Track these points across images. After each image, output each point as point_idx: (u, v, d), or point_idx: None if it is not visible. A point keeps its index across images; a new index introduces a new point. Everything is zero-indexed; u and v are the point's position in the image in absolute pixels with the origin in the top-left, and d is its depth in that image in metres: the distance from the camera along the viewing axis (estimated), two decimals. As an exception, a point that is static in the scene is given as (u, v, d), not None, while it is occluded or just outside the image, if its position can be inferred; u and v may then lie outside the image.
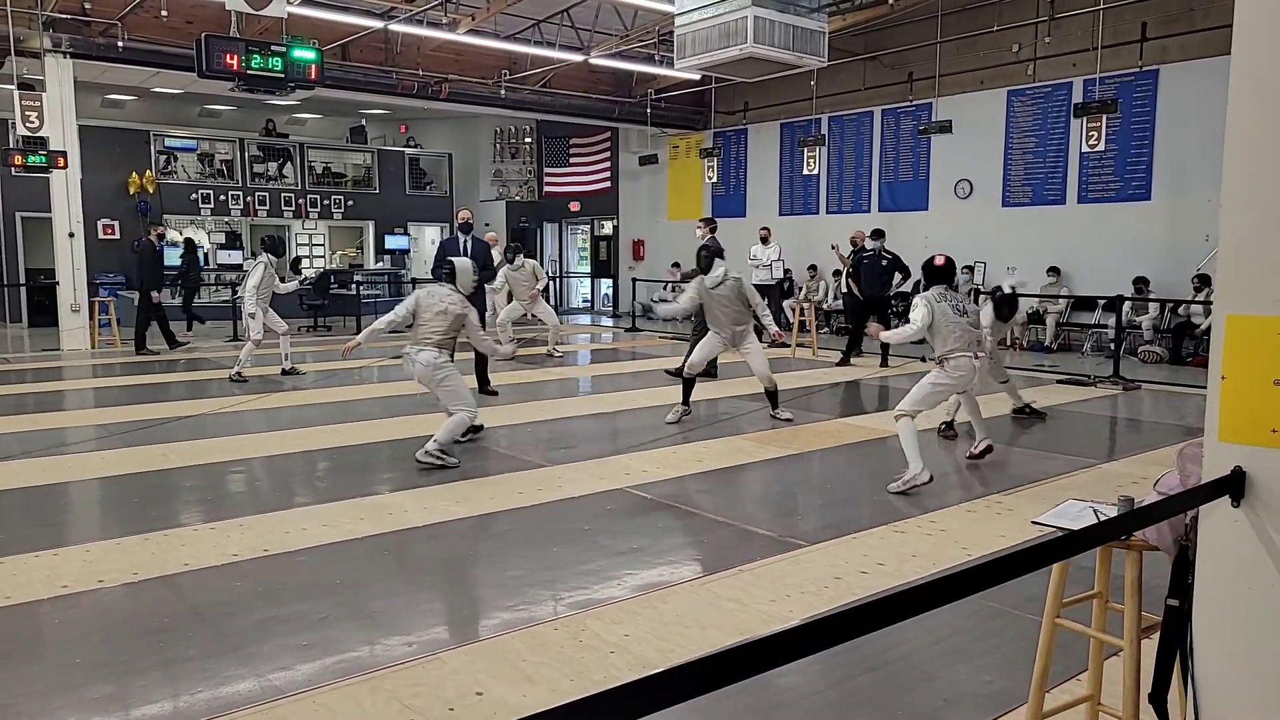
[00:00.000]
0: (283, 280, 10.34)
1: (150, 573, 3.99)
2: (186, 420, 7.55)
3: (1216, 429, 1.83)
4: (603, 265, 19.95)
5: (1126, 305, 11.07)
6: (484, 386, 8.79)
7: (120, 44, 11.62)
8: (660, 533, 4.72)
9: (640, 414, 8.11)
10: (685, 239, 14.78)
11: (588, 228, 20.44)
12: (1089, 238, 12.51)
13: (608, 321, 17.81)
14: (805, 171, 14.89)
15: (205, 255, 17.03)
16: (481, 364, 8.81)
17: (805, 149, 14.55)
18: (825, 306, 14.94)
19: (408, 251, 19.53)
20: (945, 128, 13.15)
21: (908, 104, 14.43)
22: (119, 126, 16.64)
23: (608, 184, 19.46)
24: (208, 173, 17.63)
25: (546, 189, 20.29)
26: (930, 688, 3.02)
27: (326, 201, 18.40)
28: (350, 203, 18.72)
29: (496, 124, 19.82)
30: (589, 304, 20.53)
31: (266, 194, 17.85)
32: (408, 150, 20.02)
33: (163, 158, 17.08)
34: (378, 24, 12.15)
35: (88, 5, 11.42)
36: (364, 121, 20.60)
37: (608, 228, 19.87)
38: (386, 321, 6.15)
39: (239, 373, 9.59)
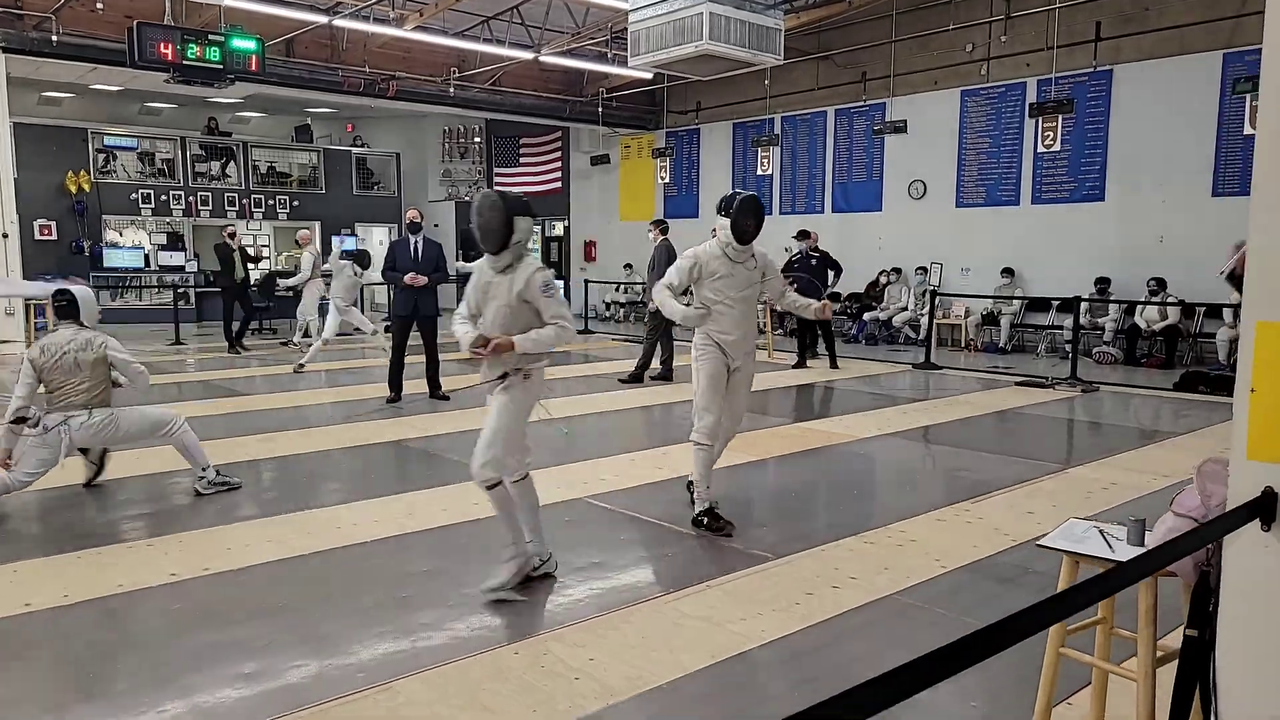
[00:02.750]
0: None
1: (81, 595, 3.74)
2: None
3: (1244, 447, 1.70)
4: (554, 267, 19.75)
5: (1084, 306, 11.21)
6: (435, 391, 8.58)
7: (54, 38, 11.13)
8: (622, 546, 4.59)
9: (596, 419, 7.97)
10: (637, 240, 14.66)
11: (538, 229, 20.22)
12: (1043, 239, 12.68)
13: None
14: (759, 172, 14.90)
15: (146, 256, 16.48)
16: (432, 367, 8.60)
17: (758, 149, 14.56)
18: (779, 308, 14.95)
19: (366, 253, 19.11)
20: (899, 128, 13.24)
21: (861, 104, 14.50)
22: (56, 124, 16.01)
23: (559, 184, 19.27)
24: (148, 172, 17.06)
25: (496, 189, 20.05)
26: (908, 712, 2.92)
27: (271, 202, 17.93)
28: (296, 203, 18.27)
29: (445, 123, 19.51)
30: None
31: (210, 194, 17.34)
32: (355, 150, 19.61)
33: (101, 156, 16.47)
34: (322, 19, 11.83)
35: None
36: (309, 120, 20.10)
37: (559, 229, 19.68)
38: (13, 410, 4.86)
39: (301, 365, 10.56)
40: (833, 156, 15.10)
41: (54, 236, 15.61)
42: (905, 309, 13.73)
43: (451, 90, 14.83)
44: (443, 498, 5.33)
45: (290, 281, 12.32)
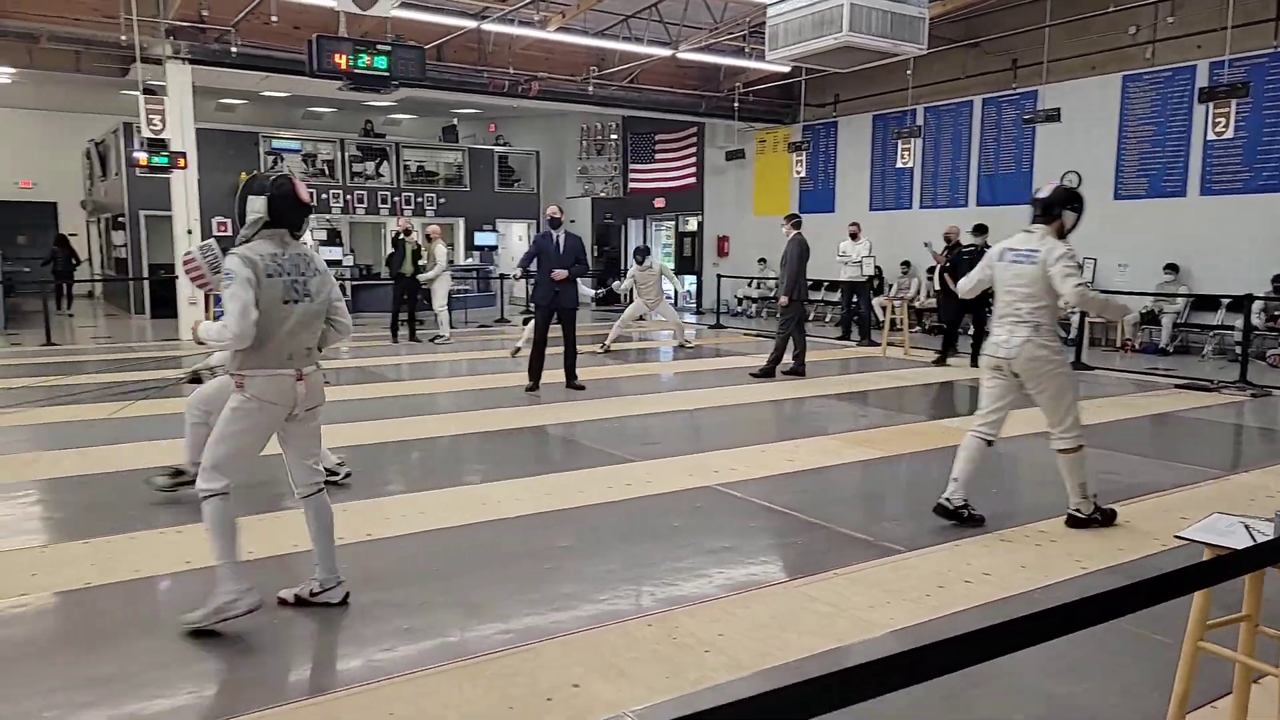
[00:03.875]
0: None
1: (263, 552, 4.15)
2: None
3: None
4: (686, 262, 19.91)
5: (1257, 305, 10.41)
6: (571, 381, 8.87)
7: (233, 49, 12.16)
8: (751, 532, 4.68)
9: (725, 412, 8.05)
10: (771, 235, 14.61)
11: (672, 224, 20.42)
12: (1212, 232, 11.83)
13: (691, 318, 17.76)
14: (899, 164, 14.54)
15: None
16: (570, 357, 8.88)
17: (899, 141, 14.21)
18: (917, 304, 14.58)
19: (495, 248, 19.88)
20: (1052, 116, 12.65)
21: (1011, 92, 13.94)
22: (231, 129, 17.41)
23: (693, 180, 19.41)
24: (311, 172, 18.28)
25: (631, 185, 20.36)
26: (1046, 708, 2.89)
27: (420, 199, 18.86)
28: (443, 200, 19.15)
29: (583, 121, 19.97)
30: (671, 300, 20.52)
31: (365, 192, 18.42)
32: (497, 148, 20.37)
33: (270, 158, 17.78)
34: (471, 24, 12.38)
35: (205, 13, 11.98)
36: (455, 121, 21.03)
37: (692, 224, 19.81)
38: None
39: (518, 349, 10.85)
40: (979, 148, 14.58)
41: (229, 232, 16.97)
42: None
43: (590, 89, 15.21)
44: (581, 480, 5.55)
45: (425, 276, 12.87)
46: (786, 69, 14.07)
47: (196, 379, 4.71)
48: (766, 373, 9.78)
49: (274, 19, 11.16)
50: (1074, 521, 4.60)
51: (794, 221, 9.98)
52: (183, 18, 11.91)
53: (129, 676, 3.05)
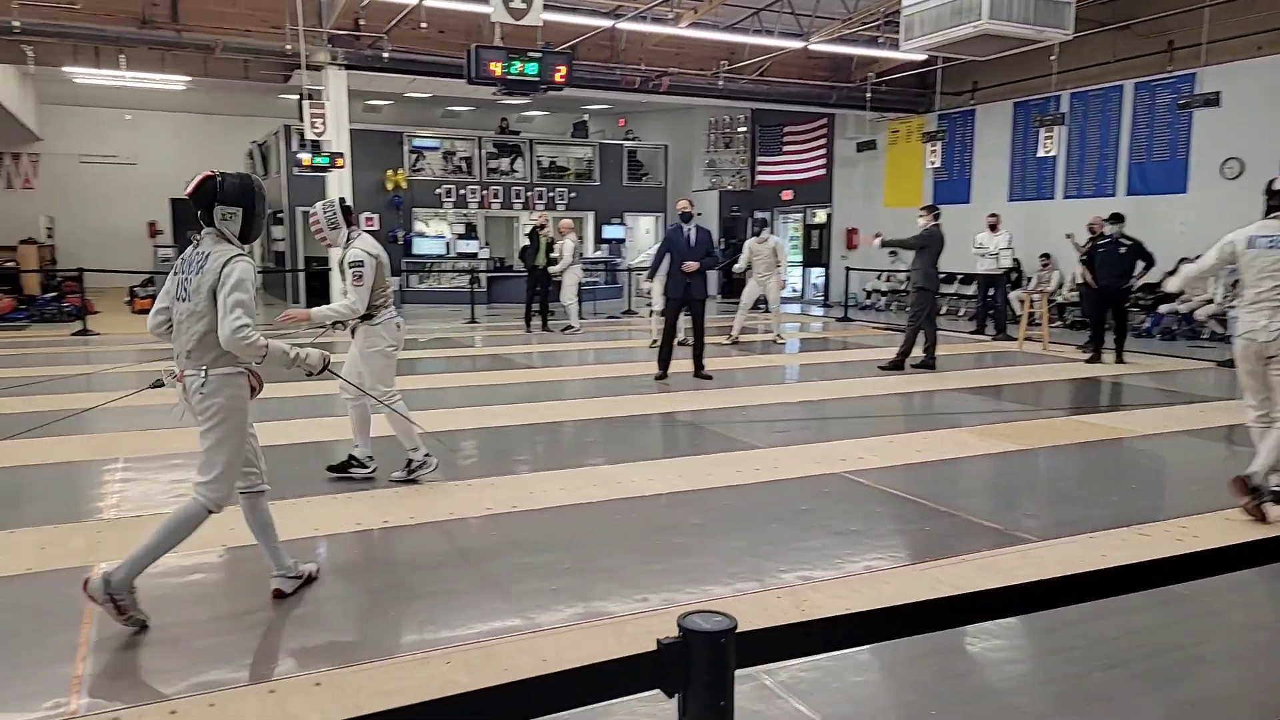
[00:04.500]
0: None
1: (423, 518, 4.56)
2: (423, 391, 8.37)
3: None
4: (814, 254, 19.76)
5: None
6: (699, 370, 9.07)
7: (385, 54, 12.95)
8: (878, 517, 4.76)
9: (853, 403, 8.07)
10: (902, 226, 14.38)
11: (800, 216, 20.30)
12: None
13: (818, 311, 17.65)
14: (1040, 153, 14.01)
15: (447, 244, 18.58)
16: (698, 347, 9.07)
17: (1041, 129, 13.69)
18: (1059, 298, 14.04)
19: (624, 241, 20.29)
20: (1212, 100, 11.92)
21: (1166, 75, 13.20)
22: (377, 129, 18.46)
23: (822, 171, 19.24)
24: (449, 169, 19.18)
25: (759, 177, 20.36)
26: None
27: (551, 194, 19.47)
28: (573, 194, 19.70)
29: (712, 114, 20.11)
30: (798, 294, 20.41)
31: (499, 188, 19.17)
32: (626, 143, 20.76)
33: (413, 156, 18.76)
34: (606, 23, 12.73)
35: (361, 22, 12.81)
36: (586, 117, 21.56)
37: (821, 216, 19.64)
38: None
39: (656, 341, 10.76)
40: (1129, 134, 13.88)
41: (377, 227, 18.01)
42: (1210, 301, 12.35)
43: (720, 83, 15.34)
44: (709, 464, 5.75)
45: (555, 268, 13.29)
46: (922, 57, 13.80)
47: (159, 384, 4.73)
48: (896, 365, 9.70)
49: (423, 25, 11.81)
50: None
51: (933, 213, 9.86)
52: (341, 27, 12.76)
53: (320, 616, 3.47)
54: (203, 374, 3.28)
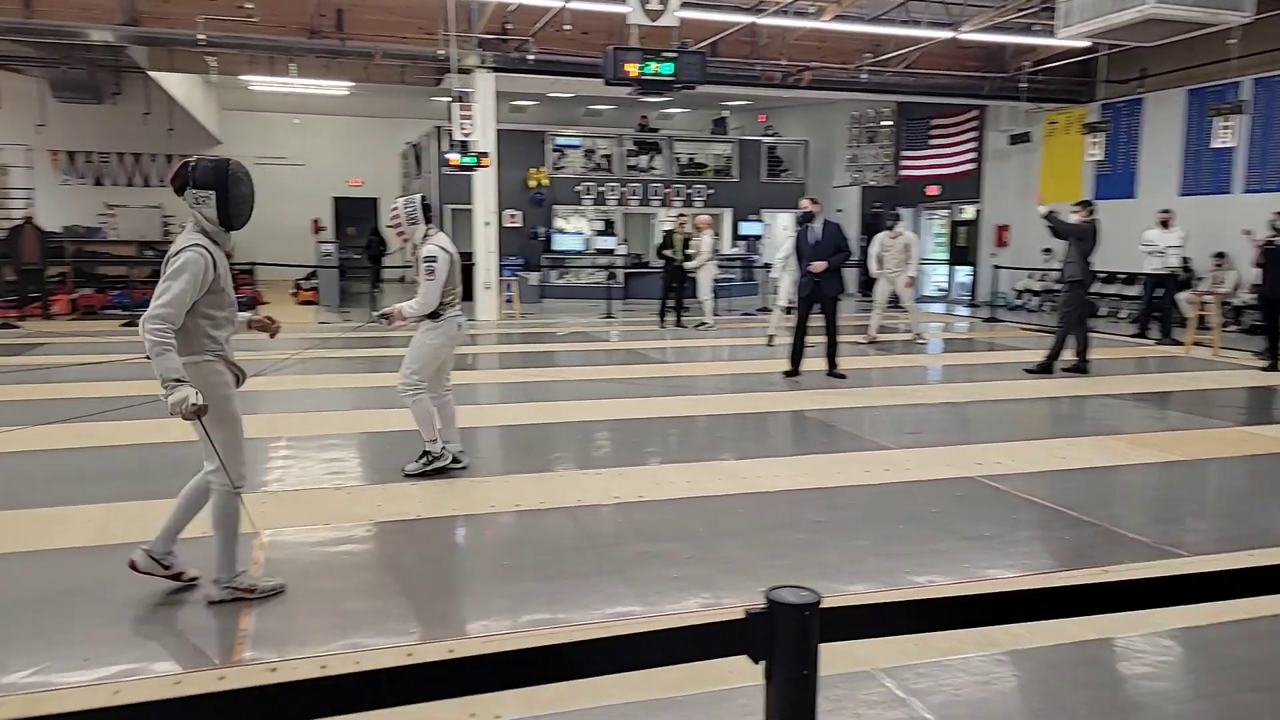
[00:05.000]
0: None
1: (553, 503, 4.74)
2: (559, 383, 8.62)
3: None
4: (961, 252, 19.00)
5: None
6: (832, 369, 8.93)
7: (530, 56, 13.39)
8: (1013, 524, 4.58)
9: (994, 406, 7.75)
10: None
11: (946, 212, 19.56)
12: None
13: (964, 311, 16.98)
14: (1216, 144, 12.96)
15: (586, 241, 19.01)
16: (831, 346, 8.93)
17: (1217, 118, 12.66)
18: (1235, 300, 12.96)
19: (760, 238, 20.14)
20: None
21: (1363, 58, 11.95)
22: (522, 128, 19.09)
23: (972, 165, 18.46)
24: (590, 167, 19.59)
25: (903, 172, 19.74)
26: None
27: (690, 190, 19.57)
28: (711, 191, 19.72)
29: (855, 108, 19.66)
30: (944, 293, 19.69)
31: (638, 185, 19.42)
32: (765, 139, 20.60)
33: (555, 155, 19.28)
34: (747, 19, 12.69)
35: (509, 26, 13.30)
36: (726, 113, 21.51)
37: (969, 212, 18.86)
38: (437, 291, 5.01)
39: (772, 337, 10.95)
40: (1320, 123, 12.64)
41: (519, 224, 18.65)
42: None
43: (864, 76, 14.99)
44: (838, 463, 5.68)
45: (692, 264, 13.33)
46: (1083, 44, 13.03)
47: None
48: (1044, 369, 9.23)
49: (567, 27, 12.14)
50: None
51: (1088, 208, 9.33)
52: (490, 31, 13.29)
53: (454, 589, 3.68)
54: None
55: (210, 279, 3.26)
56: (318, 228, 23.29)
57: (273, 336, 3.91)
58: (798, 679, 1.39)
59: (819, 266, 8.56)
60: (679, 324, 13.51)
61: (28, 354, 10.13)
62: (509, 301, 15.21)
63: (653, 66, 8.32)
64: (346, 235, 23.07)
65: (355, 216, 24.03)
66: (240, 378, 3.52)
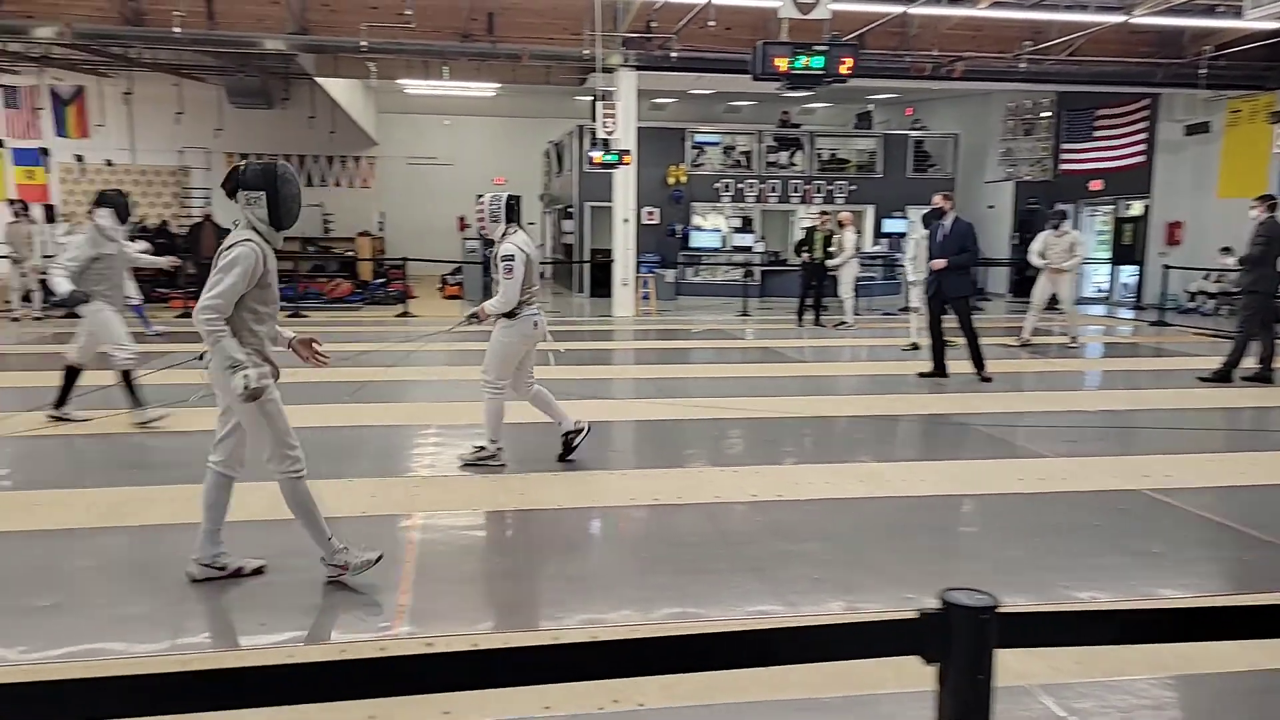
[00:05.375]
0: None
1: (689, 499, 4.75)
2: (693, 380, 8.61)
3: None
4: (1126, 250, 17.77)
5: None
6: (979, 371, 8.54)
7: (673, 54, 13.46)
8: (1186, 542, 4.26)
9: (1162, 415, 7.21)
10: (1240, 220, 12.54)
11: (1110, 208, 18.35)
12: None
13: (1127, 314, 15.90)
14: None
15: (723, 238, 18.95)
16: (971, 347, 8.55)
17: None
18: None
19: (904, 235, 19.49)
20: None
21: None
22: (661, 126, 19.21)
23: (1141, 158, 17.24)
24: (729, 163, 19.51)
25: (1063, 166, 18.65)
26: None
27: (830, 187, 19.17)
28: (853, 187, 19.26)
29: (1010, 99, 18.73)
30: (1106, 294, 18.49)
31: (777, 182, 19.19)
32: (913, 133, 19.92)
33: (694, 152, 19.30)
34: (897, 9, 12.31)
35: (654, 24, 13.42)
36: (870, 107, 20.93)
37: (1136, 208, 17.62)
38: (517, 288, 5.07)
39: (914, 344, 10.35)
40: None
41: (656, 221, 18.78)
42: None
43: (1023, 65, 14.24)
44: (987, 470, 5.43)
45: (833, 262, 13.02)
46: (1274, 25, 11.94)
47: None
48: (1221, 377, 8.52)
49: (711, 23, 12.12)
50: None
51: (1268, 203, 8.54)
52: (634, 30, 13.43)
53: (592, 577, 3.75)
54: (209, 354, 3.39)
55: (259, 274, 3.38)
56: (462, 225, 24.23)
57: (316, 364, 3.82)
58: (973, 683, 1.33)
59: (939, 264, 8.33)
60: (818, 323, 13.27)
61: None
62: (645, 298, 15.35)
63: (803, 61, 8.20)
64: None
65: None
66: (276, 373, 3.55)
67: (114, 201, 5.93)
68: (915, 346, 10.39)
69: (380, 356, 8.83)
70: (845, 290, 13.06)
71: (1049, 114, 18.44)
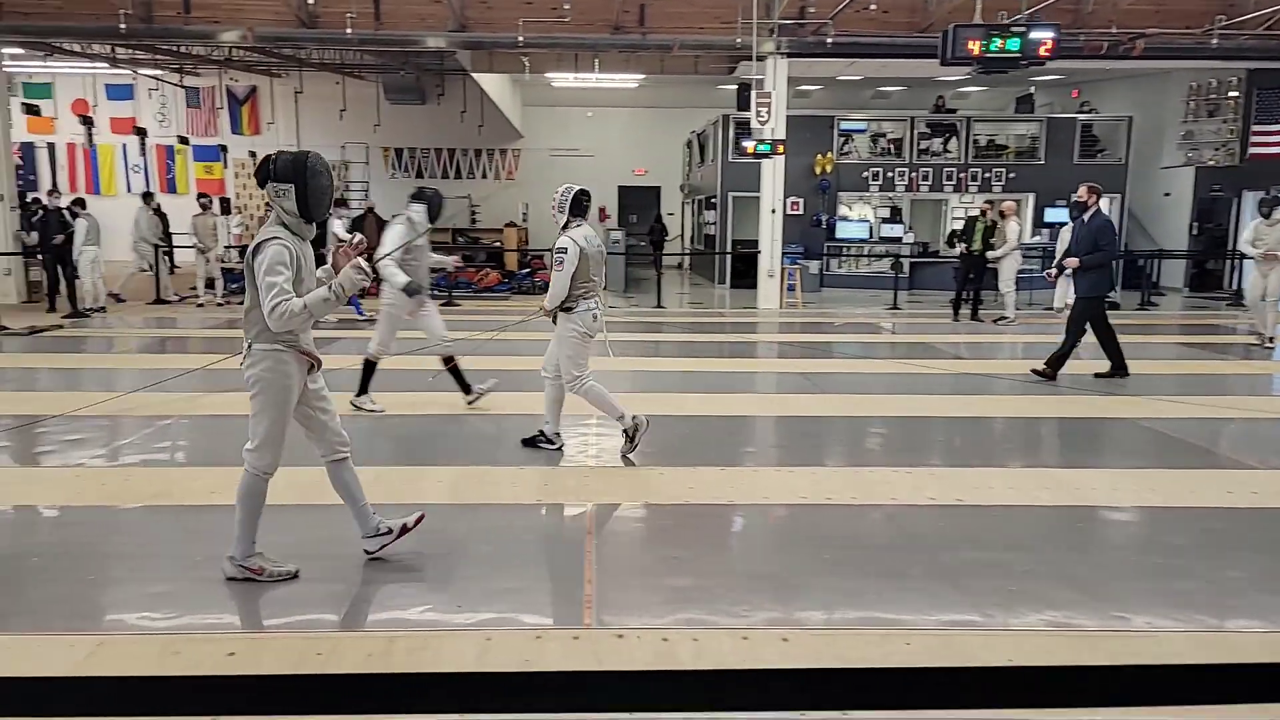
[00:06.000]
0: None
1: (866, 500, 4.60)
2: (842, 375, 8.36)
3: None
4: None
5: None
6: (1115, 371, 7.98)
7: (829, 40, 13.12)
8: None
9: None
10: None
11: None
12: None
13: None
14: None
15: (870, 229, 18.41)
16: (1109, 353, 7.99)
17: None
18: None
19: (1066, 224, 18.38)
20: None
21: None
22: (807, 114, 18.80)
23: (1346, 140, 15.60)
24: (877, 151, 18.91)
25: (1253, 150, 17.08)
26: None
27: (987, 175, 18.28)
28: (1012, 175, 18.29)
29: (1193, 78, 17.32)
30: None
31: (929, 170, 18.46)
32: (1080, 116, 18.72)
33: (840, 139, 18.81)
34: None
35: (810, 10, 13.13)
36: (1033, 89, 19.82)
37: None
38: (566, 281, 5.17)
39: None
40: None
41: (800, 212, 18.42)
42: None
43: (1215, 40, 13.11)
44: (1191, 480, 5.02)
45: (995, 254, 12.38)
46: None
47: None
48: None
49: (871, 6, 11.74)
50: None
51: None
52: (787, 16, 13.18)
53: (779, 577, 3.67)
54: (247, 347, 3.42)
55: (298, 266, 3.39)
56: (603, 215, 24.54)
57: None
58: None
59: (1071, 263, 7.92)
60: (975, 317, 12.68)
61: (370, 328, 11.54)
62: (791, 289, 15.10)
63: (998, 43, 7.79)
64: (630, 223, 24.10)
65: (638, 205, 25.06)
66: (315, 365, 3.55)
67: (429, 198, 6.27)
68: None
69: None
70: (1006, 284, 12.42)
71: (1236, 94, 16.94)
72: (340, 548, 3.87)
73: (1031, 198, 18.11)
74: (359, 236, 4.04)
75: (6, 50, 14.63)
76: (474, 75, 17.34)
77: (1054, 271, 8.92)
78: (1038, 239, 17.77)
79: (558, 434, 5.54)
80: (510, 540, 3.97)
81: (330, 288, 3.33)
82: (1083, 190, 8.27)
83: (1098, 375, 8.12)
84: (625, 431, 5.32)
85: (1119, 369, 8.11)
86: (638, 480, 4.94)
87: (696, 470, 5.10)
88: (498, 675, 1.30)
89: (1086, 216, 8.05)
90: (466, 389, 6.50)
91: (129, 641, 3.00)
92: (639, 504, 4.57)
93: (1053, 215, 18.17)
